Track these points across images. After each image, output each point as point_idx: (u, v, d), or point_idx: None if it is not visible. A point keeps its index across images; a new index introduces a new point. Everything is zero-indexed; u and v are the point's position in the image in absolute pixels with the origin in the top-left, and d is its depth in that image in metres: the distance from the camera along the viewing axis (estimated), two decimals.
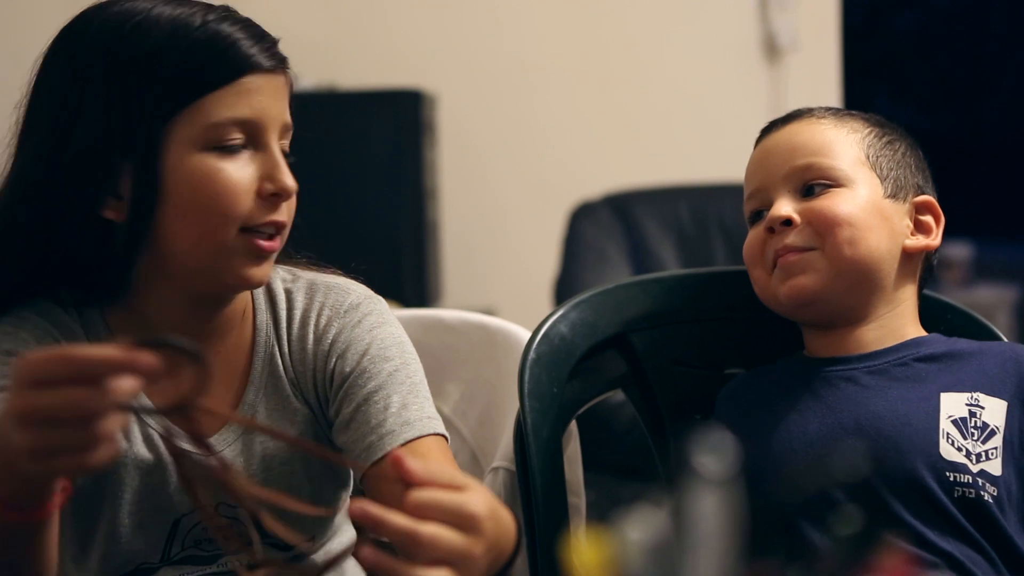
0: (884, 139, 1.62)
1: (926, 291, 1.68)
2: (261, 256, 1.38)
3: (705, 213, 3.72)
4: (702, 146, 4.15)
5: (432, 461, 1.38)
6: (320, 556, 1.52)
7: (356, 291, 1.51)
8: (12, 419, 1.04)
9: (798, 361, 1.63)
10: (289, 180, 1.39)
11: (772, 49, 4.16)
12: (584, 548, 0.70)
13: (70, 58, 1.37)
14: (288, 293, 1.50)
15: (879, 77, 4.55)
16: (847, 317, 1.59)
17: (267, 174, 1.38)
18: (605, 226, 3.68)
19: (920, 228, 1.62)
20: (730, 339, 1.72)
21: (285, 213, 1.40)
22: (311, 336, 1.47)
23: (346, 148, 3.72)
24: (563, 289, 3.65)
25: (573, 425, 1.71)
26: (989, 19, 4.56)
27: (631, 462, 2.84)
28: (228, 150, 1.36)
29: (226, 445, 1.44)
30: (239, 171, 1.36)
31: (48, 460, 1.04)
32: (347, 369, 1.45)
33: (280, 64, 1.41)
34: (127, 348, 1.03)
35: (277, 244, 1.40)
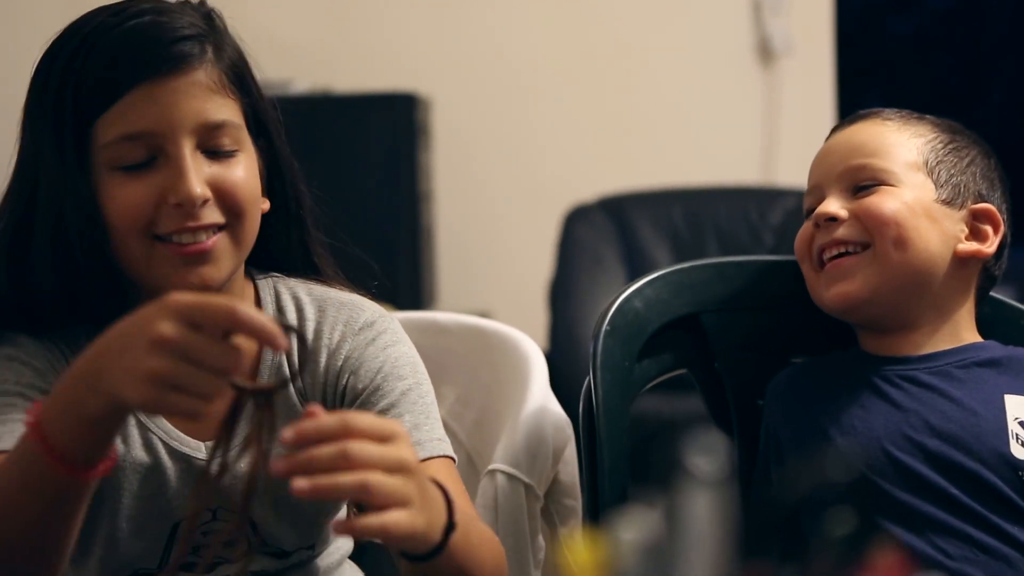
0: (950, 145, 1.62)
1: (999, 297, 1.70)
2: (192, 261, 1.37)
3: (699, 216, 3.73)
4: (696, 150, 4.15)
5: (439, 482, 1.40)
6: (318, 564, 1.52)
7: (370, 309, 1.50)
8: (150, 343, 1.08)
9: (855, 356, 1.63)
10: (192, 189, 1.35)
11: (766, 53, 4.17)
12: (579, 548, 0.70)
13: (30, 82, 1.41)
14: (298, 303, 1.49)
15: (873, 81, 4.56)
16: (896, 321, 1.60)
17: (171, 185, 1.36)
18: (599, 229, 3.69)
19: (976, 235, 1.61)
20: (800, 328, 1.72)
21: (211, 215, 1.37)
22: (324, 351, 1.47)
23: (341, 152, 3.72)
24: (557, 292, 3.65)
25: (570, 428, 1.71)
26: (984, 24, 4.57)
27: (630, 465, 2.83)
28: (130, 167, 1.36)
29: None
30: (135, 187, 1.36)
31: (161, 392, 1.08)
32: (360, 387, 1.44)
33: (179, 65, 1.37)
34: (277, 327, 1.10)
35: (213, 244, 1.37)
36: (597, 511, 1.60)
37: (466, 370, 1.78)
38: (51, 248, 1.39)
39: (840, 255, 1.59)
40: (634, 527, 0.69)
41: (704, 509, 0.68)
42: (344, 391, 1.45)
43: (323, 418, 1.10)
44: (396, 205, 3.76)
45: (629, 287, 1.69)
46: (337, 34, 4.08)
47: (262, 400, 1.14)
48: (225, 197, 1.38)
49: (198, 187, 1.36)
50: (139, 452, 1.42)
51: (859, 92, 4.39)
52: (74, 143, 1.36)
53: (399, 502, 1.12)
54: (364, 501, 1.12)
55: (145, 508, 1.42)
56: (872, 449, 1.52)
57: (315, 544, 1.50)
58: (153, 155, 1.36)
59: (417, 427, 1.42)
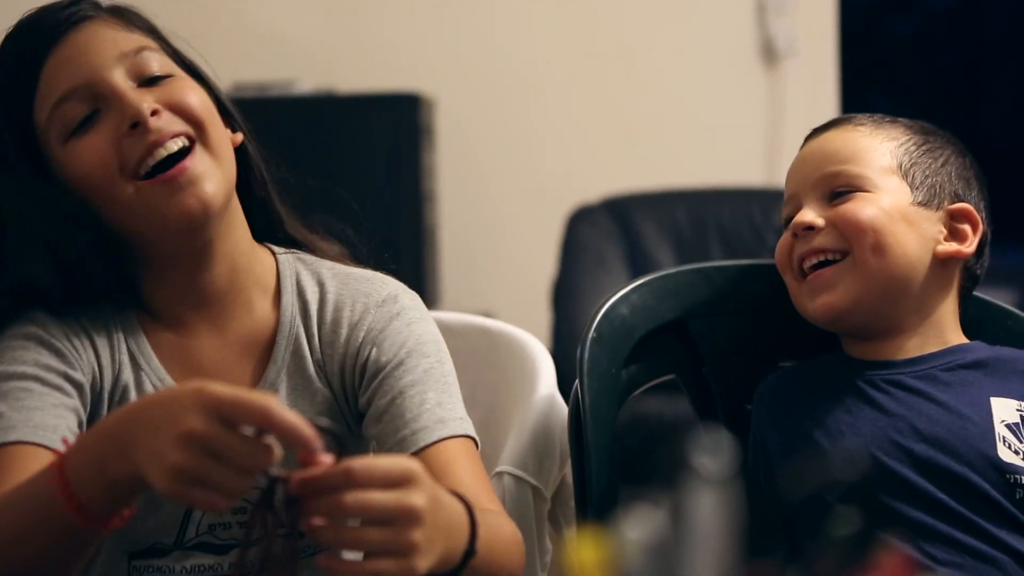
0: (923, 147, 1.62)
1: (985, 297, 1.70)
2: (181, 186, 1.37)
3: (703, 217, 3.73)
4: (700, 151, 4.15)
5: (460, 462, 1.40)
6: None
7: (392, 284, 1.52)
8: (179, 436, 1.06)
9: (840, 360, 1.63)
10: (134, 104, 1.36)
11: (770, 54, 4.17)
12: (583, 547, 0.71)
13: None
14: (318, 276, 1.50)
15: (877, 82, 4.56)
16: (881, 327, 1.60)
17: (118, 116, 1.37)
18: (603, 230, 3.69)
19: (955, 235, 1.61)
20: (787, 332, 1.72)
21: (169, 123, 1.38)
22: (345, 323, 1.47)
23: (344, 152, 3.72)
24: (561, 293, 3.65)
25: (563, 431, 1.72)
26: (987, 24, 4.57)
27: (632, 467, 2.84)
28: (80, 128, 1.38)
29: None
30: (91, 139, 1.37)
31: (184, 486, 1.07)
32: (383, 360, 1.45)
33: (71, 23, 1.40)
34: (311, 429, 1.07)
35: (191, 162, 1.38)
36: (585, 516, 1.60)
37: (472, 371, 1.78)
38: (36, 247, 1.40)
39: (820, 264, 1.59)
40: (639, 526, 0.70)
41: (709, 508, 0.68)
42: (366, 364, 1.46)
43: (326, 467, 1.09)
44: (400, 205, 3.76)
45: (614, 294, 1.69)
46: (341, 35, 4.09)
47: (295, 490, 1.10)
48: (175, 108, 1.39)
49: (142, 104, 1.37)
50: None
51: (862, 92, 4.38)
52: (20, 145, 1.39)
53: (397, 553, 1.11)
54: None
55: None
56: (859, 454, 1.52)
57: None
58: (95, 108, 1.38)
59: (441, 404, 1.43)
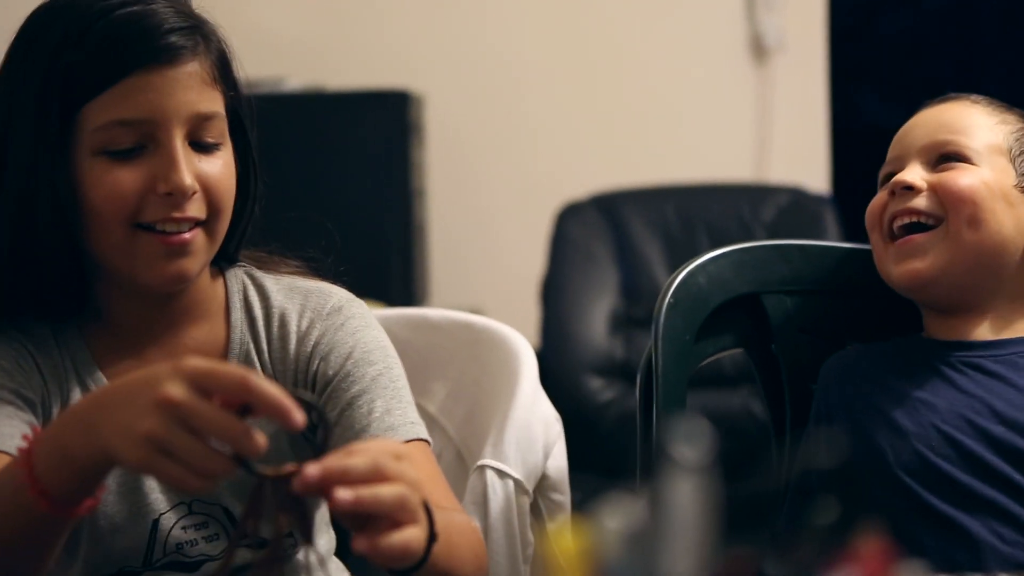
0: None
1: None
2: (171, 252, 1.37)
3: (692, 213, 3.73)
4: (689, 146, 4.16)
5: (415, 466, 1.39)
6: (300, 559, 1.52)
7: (338, 294, 1.50)
8: (154, 403, 1.04)
9: (917, 341, 1.64)
10: (184, 179, 1.36)
11: (759, 50, 4.17)
12: (564, 537, 0.71)
13: (5, 60, 1.40)
14: (262, 291, 1.49)
15: (867, 78, 4.56)
16: (963, 303, 1.60)
17: (162, 174, 1.36)
18: (592, 226, 3.69)
19: None
20: (858, 315, 1.74)
21: (196, 209, 1.38)
22: (293, 337, 1.46)
23: (333, 149, 3.72)
24: (549, 289, 3.65)
25: (559, 424, 1.72)
26: (978, 21, 4.58)
27: (617, 463, 2.84)
28: (119, 153, 1.36)
29: None
30: (125, 173, 1.35)
31: (155, 456, 1.05)
32: (330, 372, 1.44)
33: (176, 55, 1.37)
34: (290, 399, 1.05)
35: (189, 238, 1.38)
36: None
37: (456, 366, 1.78)
38: (13, 235, 1.38)
39: (911, 226, 1.58)
40: (618, 516, 0.69)
41: (687, 497, 0.68)
42: (315, 377, 1.45)
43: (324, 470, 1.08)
44: (389, 202, 3.76)
45: (693, 262, 1.70)
46: (330, 32, 4.08)
47: (282, 487, 1.09)
48: (209, 191, 1.39)
49: (189, 178, 1.36)
50: None
51: (852, 89, 4.39)
52: (59, 127, 1.36)
53: (416, 520, 1.12)
54: (392, 516, 1.11)
55: (122, 504, 1.42)
56: (934, 431, 1.52)
57: (295, 533, 1.50)
58: (142, 143, 1.37)
59: (389, 411, 1.42)
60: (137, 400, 1.07)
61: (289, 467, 1.09)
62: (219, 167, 1.40)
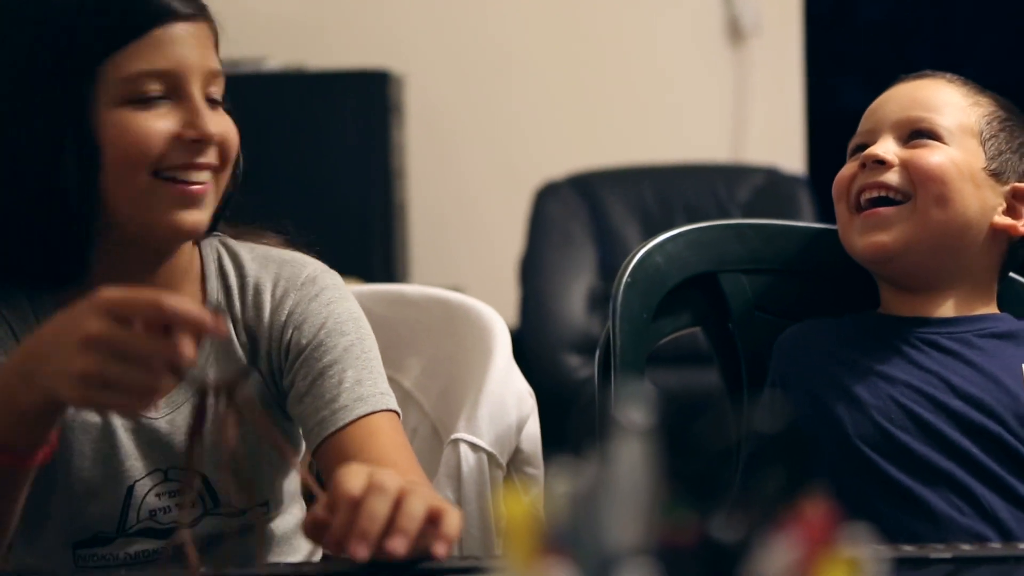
0: (1006, 123, 1.65)
1: (1018, 277, 1.71)
2: (187, 202, 1.39)
3: (669, 194, 3.75)
4: (666, 127, 4.17)
5: (380, 436, 1.42)
6: (273, 529, 1.53)
7: (312, 265, 1.51)
8: (80, 342, 1.08)
9: (871, 317, 1.65)
10: (211, 126, 1.39)
11: (735, 32, 4.18)
12: (511, 501, 0.72)
13: (5, 23, 1.40)
14: (236, 260, 1.51)
15: (844, 62, 4.57)
16: (924, 280, 1.61)
17: (188, 121, 1.38)
18: (570, 206, 3.71)
19: (1012, 212, 1.63)
20: (815, 294, 1.74)
21: (214, 156, 1.40)
22: (267, 306, 1.47)
23: (314, 129, 3.73)
24: (527, 268, 3.67)
25: (532, 399, 1.73)
26: (956, 7, 4.58)
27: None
28: (145, 102, 1.38)
29: (175, 407, 1.44)
30: (153, 120, 1.37)
31: (94, 391, 1.09)
32: (303, 342, 1.46)
33: (199, 12, 1.41)
34: (210, 312, 1.09)
35: (207, 188, 1.40)
36: None
37: (431, 342, 1.79)
38: (20, 196, 1.39)
39: (878, 200, 1.60)
40: (566, 480, 0.71)
41: (633, 460, 0.70)
42: (288, 346, 1.46)
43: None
44: (369, 182, 3.77)
45: (650, 242, 1.70)
46: (311, 11, 4.09)
47: (225, 395, 1.11)
48: (223, 142, 1.41)
49: (213, 126, 1.39)
50: (88, 413, 1.42)
51: (828, 71, 4.40)
52: (79, 81, 1.37)
53: (441, 503, 1.20)
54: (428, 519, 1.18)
55: (98, 469, 1.43)
56: (893, 403, 1.54)
57: (269, 503, 1.51)
58: (164, 95, 1.39)
59: (360, 382, 1.44)
60: (64, 342, 1.10)
61: (229, 377, 1.12)
62: (227, 121, 1.43)
